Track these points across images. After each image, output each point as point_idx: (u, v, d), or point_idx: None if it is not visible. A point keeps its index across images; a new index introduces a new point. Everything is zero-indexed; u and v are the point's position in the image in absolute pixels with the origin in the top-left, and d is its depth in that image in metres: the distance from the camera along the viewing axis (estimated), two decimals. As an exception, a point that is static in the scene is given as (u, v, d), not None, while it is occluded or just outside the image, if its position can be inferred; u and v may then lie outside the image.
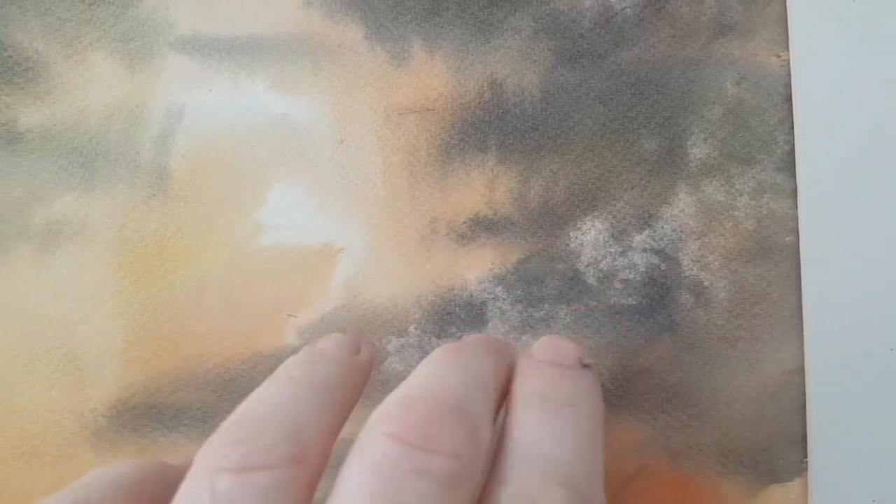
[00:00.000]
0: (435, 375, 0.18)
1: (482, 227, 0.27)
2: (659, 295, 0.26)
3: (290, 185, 0.28)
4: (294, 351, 0.25)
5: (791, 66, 0.26)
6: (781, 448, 0.26)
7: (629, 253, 0.26)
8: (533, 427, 0.18)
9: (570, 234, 0.26)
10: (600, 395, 0.19)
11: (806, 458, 0.25)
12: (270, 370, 0.25)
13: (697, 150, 0.26)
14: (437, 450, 0.16)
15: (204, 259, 0.28)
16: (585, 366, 0.20)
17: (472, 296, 0.27)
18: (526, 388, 0.19)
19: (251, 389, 0.25)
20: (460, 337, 0.26)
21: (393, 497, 0.15)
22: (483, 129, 0.27)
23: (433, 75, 0.27)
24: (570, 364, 0.19)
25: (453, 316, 0.27)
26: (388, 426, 0.16)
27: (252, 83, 0.28)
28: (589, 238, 0.26)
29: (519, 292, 0.26)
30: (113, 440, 0.28)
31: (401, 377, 0.27)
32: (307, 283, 0.27)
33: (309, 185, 0.28)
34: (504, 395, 0.19)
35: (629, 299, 0.26)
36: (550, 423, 0.18)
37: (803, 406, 0.26)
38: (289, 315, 0.27)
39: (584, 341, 0.26)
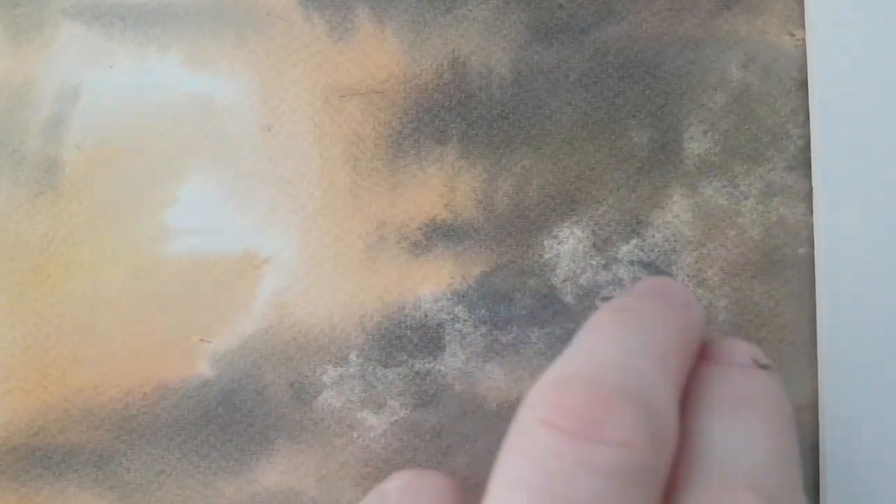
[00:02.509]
0: (597, 347, 0.17)
1: (440, 234, 0.26)
2: (649, 316, 0.26)
3: (205, 180, 0.27)
4: (206, 383, 0.26)
5: (807, 46, 0.25)
6: (790, 497, 0.25)
7: (613, 266, 0.26)
8: (711, 431, 0.17)
9: (545, 243, 0.26)
10: (785, 397, 0.19)
11: (818, 509, 0.25)
12: (177, 405, 0.27)
13: (695, 144, 0.25)
14: (606, 440, 0.15)
15: (100, 270, 0.27)
16: (762, 366, 0.20)
17: (426, 316, 0.26)
18: (698, 391, 0.18)
19: (155, 428, 0.27)
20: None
21: (561, 495, 0.14)
22: (442, 116, 0.26)
23: (382, 51, 0.26)
24: (744, 364, 0.19)
25: (404, 340, 0.26)
26: (543, 412, 0.16)
27: (162, 57, 0.27)
28: (566, 248, 0.26)
29: (483, 312, 0.26)
30: (-13, 489, 0.27)
31: (338, 415, 0.26)
32: (224, 299, 0.26)
33: (229, 181, 0.27)
34: (687, 370, 0.19)
35: (614, 321, 0.26)
36: (732, 426, 0.17)
37: (816, 448, 0.25)
38: (201, 339, 0.26)
39: (560, 371, 0.25)
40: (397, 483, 0.19)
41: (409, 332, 0.26)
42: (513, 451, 0.16)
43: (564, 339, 0.25)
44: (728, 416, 0.17)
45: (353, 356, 0.26)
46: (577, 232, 0.26)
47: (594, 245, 0.25)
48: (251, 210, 0.26)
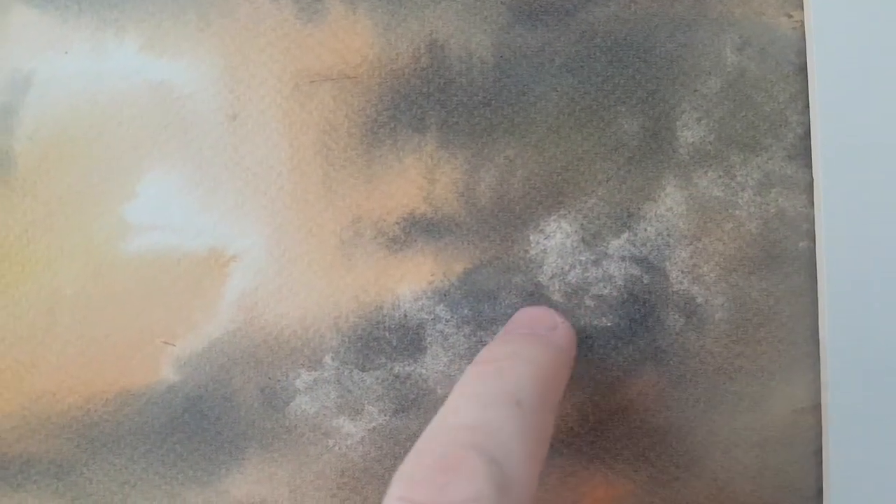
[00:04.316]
0: (455, 408, 0.20)
1: (419, 229, 0.26)
2: (640, 315, 0.26)
3: (167, 172, 0.26)
4: (171, 389, 0.26)
5: (806, 28, 0.25)
6: (792, 504, 0.26)
7: (604, 262, 0.26)
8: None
9: (531, 237, 0.26)
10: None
11: (821, 517, 0.25)
12: (141, 412, 0.26)
13: (689, 132, 0.25)
14: (455, 501, 0.17)
15: (57, 269, 0.26)
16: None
17: (406, 316, 0.26)
18: None
19: (118, 437, 0.27)
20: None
21: None
22: (420, 103, 0.26)
23: (354, 33, 0.26)
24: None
25: (382, 342, 0.26)
26: (399, 488, 0.18)
27: (120, 43, 0.26)
28: (553, 243, 0.26)
29: (466, 311, 0.26)
30: (-59, 501, 0.26)
31: (313, 422, 0.26)
32: (189, 300, 0.26)
33: (192, 174, 0.26)
34: (562, 383, 0.22)
35: (604, 320, 0.26)
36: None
37: (819, 453, 0.25)
38: (165, 342, 0.26)
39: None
40: None
41: (387, 334, 0.26)
42: None
43: (551, 340, 0.26)
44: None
45: (327, 359, 0.26)
46: (565, 226, 0.25)
47: (583, 240, 0.25)
48: (216, 204, 0.26)
